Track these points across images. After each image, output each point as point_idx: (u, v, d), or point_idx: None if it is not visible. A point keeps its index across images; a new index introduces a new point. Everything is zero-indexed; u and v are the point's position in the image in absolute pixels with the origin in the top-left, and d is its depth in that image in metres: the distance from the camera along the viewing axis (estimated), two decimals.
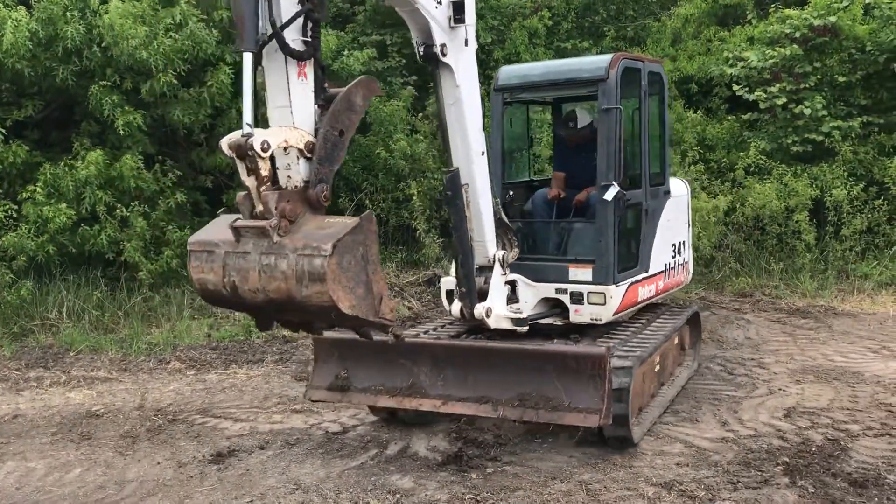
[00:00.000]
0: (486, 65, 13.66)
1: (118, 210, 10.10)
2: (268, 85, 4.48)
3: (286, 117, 4.41)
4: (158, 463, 5.97)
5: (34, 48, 9.88)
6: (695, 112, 13.60)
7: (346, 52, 12.03)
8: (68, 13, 9.81)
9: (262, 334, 9.67)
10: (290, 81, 4.40)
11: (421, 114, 12.86)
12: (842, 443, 5.80)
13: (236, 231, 4.28)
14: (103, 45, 9.92)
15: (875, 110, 12.26)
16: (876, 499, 4.91)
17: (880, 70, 12.00)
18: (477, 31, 13.67)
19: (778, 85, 12.03)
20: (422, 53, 5.65)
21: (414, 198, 11.66)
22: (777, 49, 12.20)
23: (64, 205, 9.77)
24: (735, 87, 12.94)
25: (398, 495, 5.15)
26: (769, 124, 12.42)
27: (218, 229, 4.46)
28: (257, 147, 4.09)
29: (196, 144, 11.24)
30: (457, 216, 5.97)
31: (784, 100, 11.92)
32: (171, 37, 9.98)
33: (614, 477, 5.32)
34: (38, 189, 9.85)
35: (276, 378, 8.11)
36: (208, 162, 11.02)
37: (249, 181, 4.27)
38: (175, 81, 10.00)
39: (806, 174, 11.82)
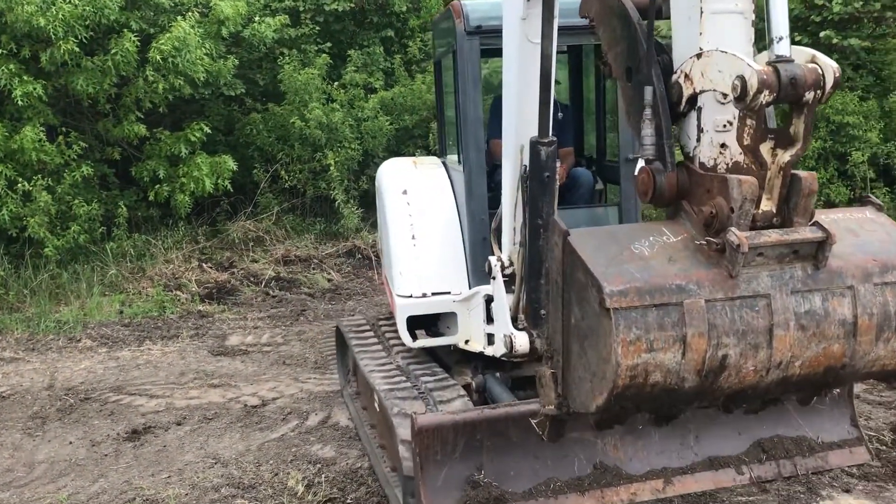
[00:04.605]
0: (402, 34, 13.58)
1: (20, 184, 9.68)
2: None
3: (733, 30, 2.76)
4: (70, 443, 5.81)
5: None
6: None
7: (257, 19, 11.72)
8: None
9: (177, 309, 9.48)
10: None
11: (336, 82, 12.70)
12: None
13: (735, 255, 2.50)
14: None
15: None
16: None
17: None
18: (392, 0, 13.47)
19: None
20: None
21: (331, 168, 11.54)
22: None
23: None
24: None
25: (319, 465, 5.16)
26: None
27: (650, 259, 2.60)
28: (830, 79, 2.48)
29: (102, 115, 10.83)
30: (548, 205, 4.19)
31: None
32: (70, 2, 9.54)
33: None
34: None
35: (192, 353, 7.97)
36: (115, 133, 10.62)
37: (764, 150, 2.59)
38: (77, 49, 9.58)
39: None
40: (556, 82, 6.40)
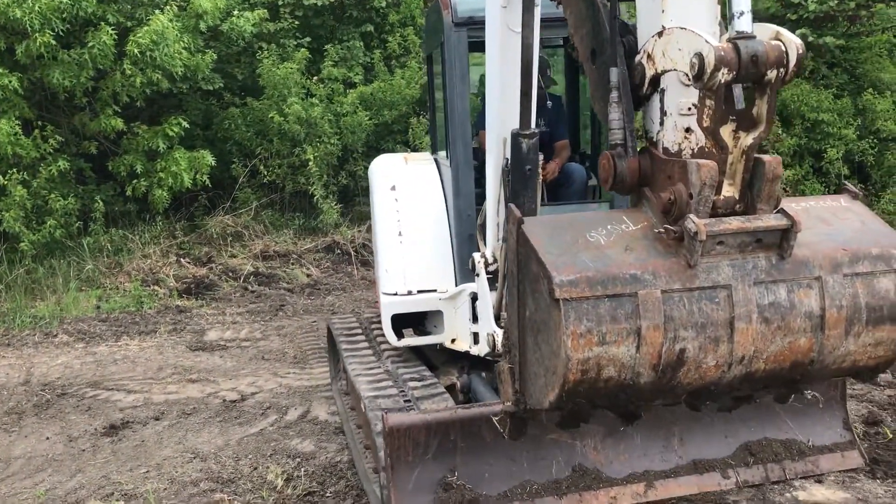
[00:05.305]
0: (382, 28, 13.55)
1: None
2: None
3: (697, 7, 2.62)
4: (47, 438, 5.78)
5: None
6: None
7: (235, 13, 11.66)
8: None
9: (155, 304, 9.43)
10: None
11: (316, 77, 12.65)
12: None
13: (693, 243, 2.38)
14: None
15: None
16: None
17: None
18: None
19: None
20: None
21: (310, 163, 11.50)
22: None
23: None
24: None
25: (298, 459, 5.16)
26: None
27: (605, 248, 2.46)
28: (793, 56, 2.35)
29: (78, 109, 10.73)
30: (531, 200, 4.11)
31: None
32: None
33: None
34: None
35: (170, 348, 7.93)
36: (92, 127, 10.54)
37: (725, 132, 2.46)
38: (53, 42, 9.49)
39: None
40: (553, 82, 6.42)
